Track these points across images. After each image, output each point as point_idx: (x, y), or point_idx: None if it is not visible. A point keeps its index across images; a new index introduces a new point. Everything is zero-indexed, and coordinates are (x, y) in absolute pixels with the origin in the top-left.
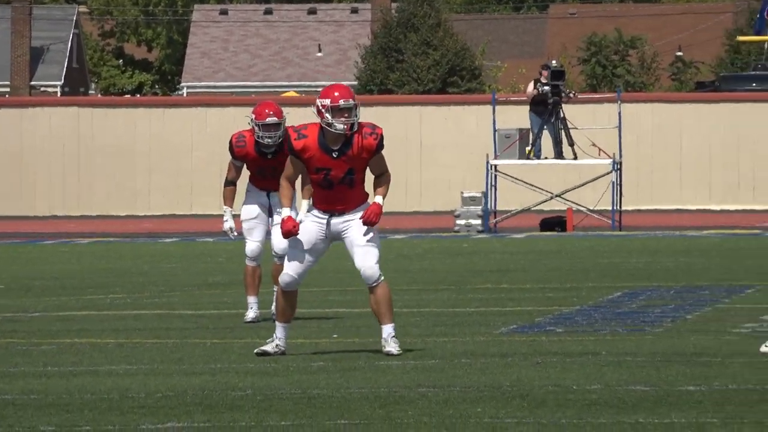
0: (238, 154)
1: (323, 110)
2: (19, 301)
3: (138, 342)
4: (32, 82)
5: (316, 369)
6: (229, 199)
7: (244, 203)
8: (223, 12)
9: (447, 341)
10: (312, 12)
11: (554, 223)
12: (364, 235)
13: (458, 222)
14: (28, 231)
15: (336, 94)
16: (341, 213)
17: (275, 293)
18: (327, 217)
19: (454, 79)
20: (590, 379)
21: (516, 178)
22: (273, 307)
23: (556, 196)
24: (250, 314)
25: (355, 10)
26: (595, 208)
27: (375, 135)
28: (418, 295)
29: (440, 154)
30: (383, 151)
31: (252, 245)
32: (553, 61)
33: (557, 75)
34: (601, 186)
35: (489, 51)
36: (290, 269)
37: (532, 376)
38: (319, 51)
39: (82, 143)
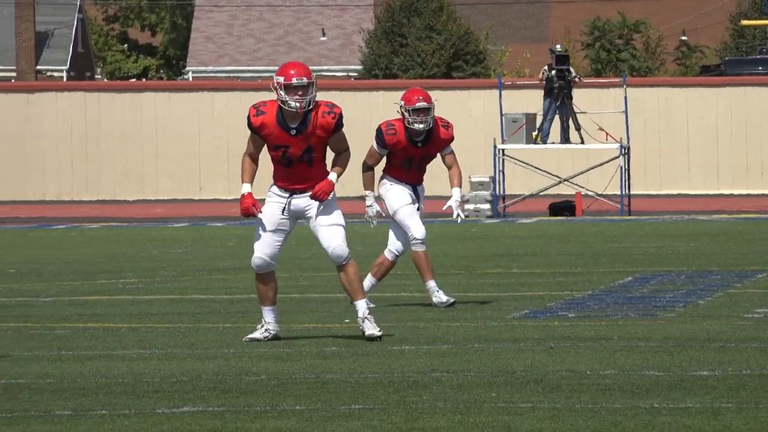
0: (389, 142)
1: (278, 88)
2: (30, 286)
3: (151, 327)
4: (38, 67)
5: (328, 354)
6: (370, 182)
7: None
8: None
9: (459, 326)
10: None
11: (563, 207)
12: (325, 213)
13: (467, 207)
14: (37, 215)
15: (291, 72)
16: (302, 192)
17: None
18: (288, 196)
19: (459, 64)
20: (603, 364)
21: (524, 163)
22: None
23: (565, 180)
24: (442, 297)
25: None
26: (604, 193)
27: (333, 114)
28: None
29: None
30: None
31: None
32: (558, 46)
33: (562, 59)
34: (608, 171)
35: (492, 35)
36: (260, 251)
37: (546, 361)
38: (323, 35)
39: (89, 127)
